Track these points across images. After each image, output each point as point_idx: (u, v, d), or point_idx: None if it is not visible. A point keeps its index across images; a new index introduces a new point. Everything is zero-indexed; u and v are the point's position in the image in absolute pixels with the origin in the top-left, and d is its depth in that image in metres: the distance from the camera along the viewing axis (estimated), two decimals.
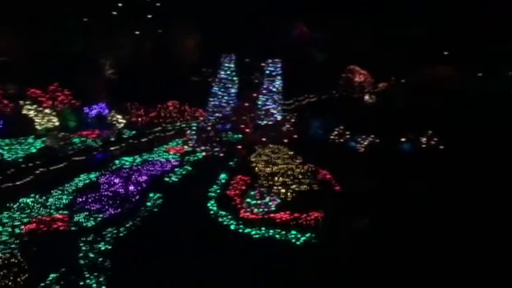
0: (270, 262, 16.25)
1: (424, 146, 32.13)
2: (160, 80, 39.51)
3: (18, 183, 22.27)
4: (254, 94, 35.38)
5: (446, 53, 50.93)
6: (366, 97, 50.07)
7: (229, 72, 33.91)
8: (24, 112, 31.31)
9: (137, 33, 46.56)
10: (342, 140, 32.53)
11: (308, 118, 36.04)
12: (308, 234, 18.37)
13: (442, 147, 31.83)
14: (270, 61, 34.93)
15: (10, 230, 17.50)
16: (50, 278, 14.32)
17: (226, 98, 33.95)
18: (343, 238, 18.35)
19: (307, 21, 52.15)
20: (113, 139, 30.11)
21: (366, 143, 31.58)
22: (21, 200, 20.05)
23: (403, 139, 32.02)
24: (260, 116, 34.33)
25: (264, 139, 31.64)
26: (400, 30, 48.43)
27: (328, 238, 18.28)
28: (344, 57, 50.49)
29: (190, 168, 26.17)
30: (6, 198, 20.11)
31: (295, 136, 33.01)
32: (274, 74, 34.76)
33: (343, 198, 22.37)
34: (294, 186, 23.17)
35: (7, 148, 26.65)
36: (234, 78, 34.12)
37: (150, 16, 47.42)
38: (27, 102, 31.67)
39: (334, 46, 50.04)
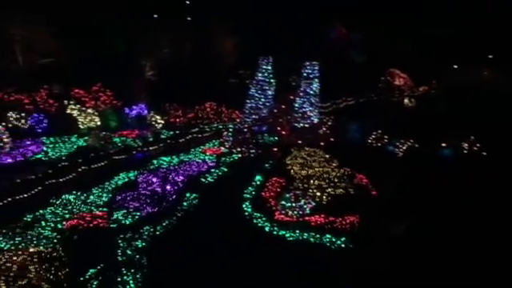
0: (304, 265, 16.20)
1: (466, 151, 31.16)
2: (198, 81, 40.04)
3: (61, 180, 23.13)
4: (291, 97, 35.31)
5: (490, 56, 49.24)
6: (406, 100, 49.03)
7: (266, 74, 33.99)
8: (68, 111, 32.47)
9: (176, 35, 47.33)
10: (379, 144, 31.99)
11: (345, 121, 35.66)
12: (343, 238, 18.22)
13: (484, 153, 30.78)
14: (307, 63, 34.78)
15: (52, 225, 18.16)
16: (89, 274, 14.78)
17: (262, 99, 34.04)
18: (379, 243, 18.07)
19: (346, 22, 51.61)
20: (151, 139, 30.75)
21: (404, 148, 30.93)
22: (63, 196, 20.77)
23: (444, 144, 31.17)
24: (296, 118, 34.24)
25: (300, 142, 31.54)
26: (441, 30, 47.16)
27: (363, 243, 18.06)
28: (384, 59, 49.66)
29: (225, 169, 26.39)
30: (50, 195, 20.88)
31: (332, 139, 32.74)
32: (311, 76, 34.59)
33: (380, 203, 22.01)
34: (329, 190, 22.97)
35: (51, 146, 27.72)
36: (271, 80, 34.15)
37: (189, 18, 48.20)
38: (71, 102, 32.83)
39: (374, 48, 49.34)
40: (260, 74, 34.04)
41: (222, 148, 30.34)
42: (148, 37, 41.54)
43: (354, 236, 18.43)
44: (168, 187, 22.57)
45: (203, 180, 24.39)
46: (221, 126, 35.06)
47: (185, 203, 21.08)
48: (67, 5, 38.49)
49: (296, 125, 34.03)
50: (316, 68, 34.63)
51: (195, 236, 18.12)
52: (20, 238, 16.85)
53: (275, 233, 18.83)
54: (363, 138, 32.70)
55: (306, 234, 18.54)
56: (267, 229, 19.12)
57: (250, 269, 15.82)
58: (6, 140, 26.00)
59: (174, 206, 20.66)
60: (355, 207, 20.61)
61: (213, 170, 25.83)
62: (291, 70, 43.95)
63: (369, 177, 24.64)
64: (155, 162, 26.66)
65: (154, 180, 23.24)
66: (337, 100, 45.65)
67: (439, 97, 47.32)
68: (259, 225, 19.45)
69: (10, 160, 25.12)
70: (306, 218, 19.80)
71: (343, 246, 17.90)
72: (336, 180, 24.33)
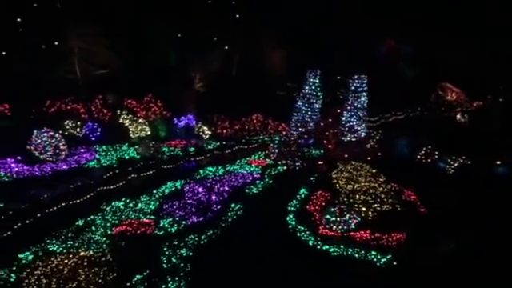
0: (348, 282, 15.94)
1: None
2: (245, 93, 40.48)
3: (112, 187, 23.96)
4: (338, 110, 35.02)
5: None
6: (459, 116, 47.34)
7: (313, 87, 33.90)
8: (120, 121, 33.67)
9: (226, 48, 48.17)
10: (429, 160, 31.04)
11: (394, 135, 34.88)
12: (389, 256, 17.77)
13: None
14: (355, 76, 34.43)
15: (102, 230, 18.80)
16: (136, 279, 15.19)
17: (309, 113, 33.95)
18: (426, 262, 17.48)
19: (396, 35, 50.68)
20: (198, 150, 31.31)
21: (456, 165, 29.85)
22: (113, 203, 21.50)
23: (498, 162, 29.83)
24: (343, 132, 33.89)
25: (346, 156, 31.16)
26: (497, 42, 45.31)
27: (410, 261, 17.54)
28: (436, 73, 48.26)
29: (270, 181, 26.44)
30: (101, 201, 21.67)
31: (379, 154, 32.12)
32: (359, 89, 34.20)
33: (428, 221, 21.31)
34: (375, 205, 22.54)
35: (104, 153, 28.80)
36: (319, 94, 34.03)
37: (237, 30, 48.93)
38: (124, 112, 34.04)
39: (425, 61, 48.09)
40: (307, 87, 34.00)
41: (268, 160, 30.44)
42: (198, 49, 42.45)
43: (401, 254, 17.94)
44: (213, 197, 22.88)
45: (248, 191, 24.55)
46: (267, 138, 35.23)
47: (229, 213, 21.28)
48: (122, 18, 40.13)
49: (343, 138, 33.67)
50: (364, 81, 34.21)
51: (238, 247, 18.22)
52: (72, 242, 17.60)
53: (319, 247, 18.66)
54: (412, 153, 31.83)
55: (350, 250, 18.26)
56: (311, 243, 18.97)
57: (292, 282, 15.72)
58: (62, 147, 27.28)
59: (218, 216, 20.91)
60: (402, 224, 20.09)
61: (258, 182, 25.95)
62: (339, 83, 43.61)
63: (417, 193, 23.97)
64: (201, 171, 27.14)
65: (200, 190, 23.64)
66: (386, 114, 44.72)
67: (494, 113, 45.36)
68: (303, 238, 19.33)
69: (65, 167, 26.32)
70: (351, 234, 19.50)
71: (388, 263, 17.47)
72: (383, 196, 23.84)
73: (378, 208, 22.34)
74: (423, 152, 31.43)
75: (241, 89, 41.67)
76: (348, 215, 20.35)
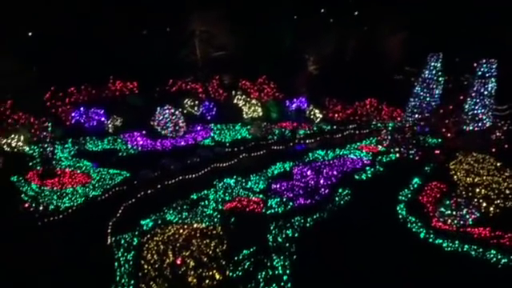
0: (462, 280, 14.98)
1: None
2: (360, 77, 39.41)
3: (224, 165, 25.04)
4: (461, 97, 32.55)
5: None
6: None
7: (434, 71, 31.90)
8: (235, 101, 34.87)
9: (342, 30, 47.13)
10: None
11: None
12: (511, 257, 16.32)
13: None
14: (483, 60, 31.63)
15: (214, 205, 19.81)
16: (243, 254, 15.80)
17: (428, 98, 32.09)
18: None
19: None
20: (308, 132, 31.31)
21: None
22: (225, 180, 22.49)
23: None
24: (465, 120, 31.50)
25: (467, 146, 28.93)
26: None
27: None
28: None
29: (381, 168, 25.62)
30: (214, 178, 22.79)
31: (506, 146, 29.31)
32: (487, 75, 31.42)
33: None
34: (498, 201, 20.75)
35: (218, 132, 30.14)
36: (440, 79, 31.93)
37: (356, 13, 47.50)
38: (238, 93, 35.17)
39: None
40: (427, 72, 32.08)
41: (379, 146, 29.48)
42: (314, 32, 42.08)
43: None
44: (321, 181, 22.81)
45: (357, 177, 24.07)
46: (380, 124, 34.03)
47: (337, 198, 21.09)
48: (241, 1, 41.12)
49: (464, 127, 31.31)
50: (494, 66, 31.32)
51: (344, 232, 18.01)
52: (186, 214, 18.82)
53: (431, 240, 17.74)
54: None
55: (466, 247, 17.08)
56: (422, 235, 18.10)
57: (398, 274, 15.18)
58: (181, 124, 29.12)
59: (325, 200, 20.83)
60: None
61: (368, 168, 25.29)
62: (464, 67, 40.37)
63: None
64: (311, 155, 27.15)
65: (309, 173, 23.70)
66: None
67: None
68: (413, 230, 18.52)
69: (182, 143, 28.10)
70: (468, 229, 18.22)
71: (509, 265, 16.05)
72: (507, 192, 21.84)
73: (501, 204, 20.58)
74: None
75: (355, 72, 40.64)
76: (465, 209, 18.97)
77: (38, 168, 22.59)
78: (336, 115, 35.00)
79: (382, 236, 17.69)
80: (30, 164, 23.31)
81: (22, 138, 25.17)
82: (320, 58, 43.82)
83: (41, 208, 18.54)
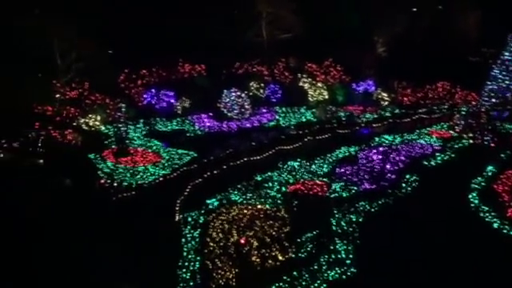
0: None
1: None
2: (432, 59, 37.70)
3: (289, 147, 25.12)
4: None
5: None
6: None
7: None
8: (300, 84, 34.66)
9: (414, 9, 45.11)
10: None
11: None
12: None
13: None
14: None
15: (277, 187, 20.01)
16: (306, 236, 15.90)
17: (507, 82, 30.17)
18: None
19: None
20: (376, 116, 30.56)
21: None
22: (289, 163, 22.59)
23: None
24: None
25: None
26: None
27: None
28: None
29: (452, 155, 24.57)
30: (278, 160, 22.96)
31: None
32: None
33: None
34: None
35: (283, 115, 30.19)
36: None
37: None
38: (304, 75, 34.90)
39: None
40: (507, 53, 30.10)
41: (451, 132, 28.22)
42: (383, 11, 40.67)
43: None
44: (388, 166, 22.31)
45: (426, 163, 23.29)
46: (452, 108, 32.46)
47: (404, 184, 20.55)
48: None
49: None
50: None
51: (411, 219, 17.56)
52: (250, 195, 19.18)
53: (505, 231, 16.89)
54: None
55: None
56: (496, 225, 17.28)
57: (468, 265, 14.61)
58: (247, 106, 29.48)
59: (392, 186, 20.37)
60: None
61: (438, 154, 24.36)
62: None
63: None
64: (377, 139, 26.57)
65: (375, 157, 23.25)
66: None
67: None
68: (486, 220, 17.73)
69: (248, 125, 28.46)
70: None
71: None
72: None
73: None
74: None
75: (427, 54, 38.91)
76: None
77: (113, 146, 23.89)
78: (405, 98, 33.83)
79: (450, 224, 17.08)
80: (106, 142, 24.68)
81: (98, 117, 26.62)
82: (389, 39, 42.34)
83: (115, 184, 19.65)
